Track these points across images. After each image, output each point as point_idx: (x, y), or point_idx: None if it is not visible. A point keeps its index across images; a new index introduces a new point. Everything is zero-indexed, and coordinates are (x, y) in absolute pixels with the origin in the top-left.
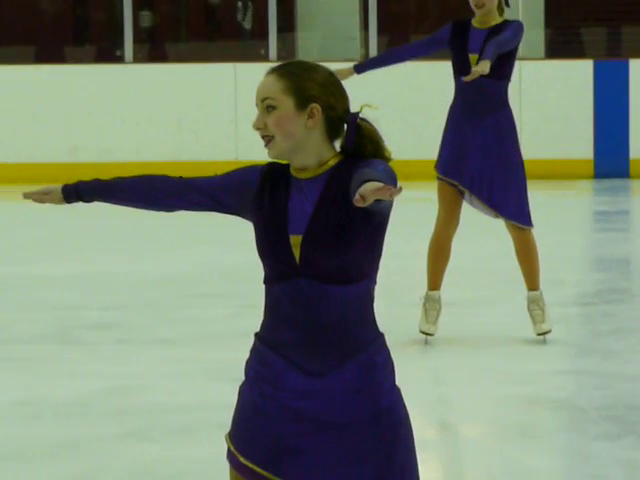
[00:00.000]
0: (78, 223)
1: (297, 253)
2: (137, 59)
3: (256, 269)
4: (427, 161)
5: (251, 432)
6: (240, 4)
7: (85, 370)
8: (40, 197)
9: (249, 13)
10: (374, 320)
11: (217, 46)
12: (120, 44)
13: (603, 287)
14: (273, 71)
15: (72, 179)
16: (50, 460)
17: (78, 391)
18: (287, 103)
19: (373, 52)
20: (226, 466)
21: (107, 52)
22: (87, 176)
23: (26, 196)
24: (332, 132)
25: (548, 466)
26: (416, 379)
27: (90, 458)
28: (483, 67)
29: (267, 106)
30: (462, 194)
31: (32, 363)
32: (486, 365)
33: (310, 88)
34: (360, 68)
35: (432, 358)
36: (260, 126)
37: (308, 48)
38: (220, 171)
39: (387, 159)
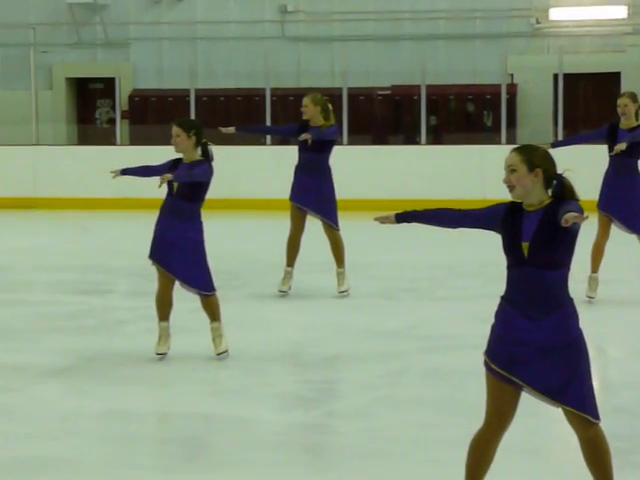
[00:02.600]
0: (396, 235)
1: (526, 252)
2: (427, 142)
3: (500, 259)
4: (593, 201)
5: (497, 350)
6: (485, 112)
7: (398, 313)
8: (383, 220)
9: (490, 117)
10: (567, 289)
11: (471, 136)
12: (418, 134)
13: None
14: (515, 150)
15: (398, 209)
16: (375, 362)
17: (395, 324)
18: (523, 168)
19: (560, 138)
20: (479, 371)
21: (411, 139)
22: (406, 207)
23: (375, 219)
24: (547, 184)
25: None
26: (584, 323)
27: (398, 362)
28: (620, 146)
29: (511, 170)
30: (611, 220)
31: (371, 309)
32: (624, 316)
33: (536, 159)
34: (555, 144)
35: (594, 312)
36: (507, 181)
37: (523, 137)
38: (470, 206)
39: (577, 200)
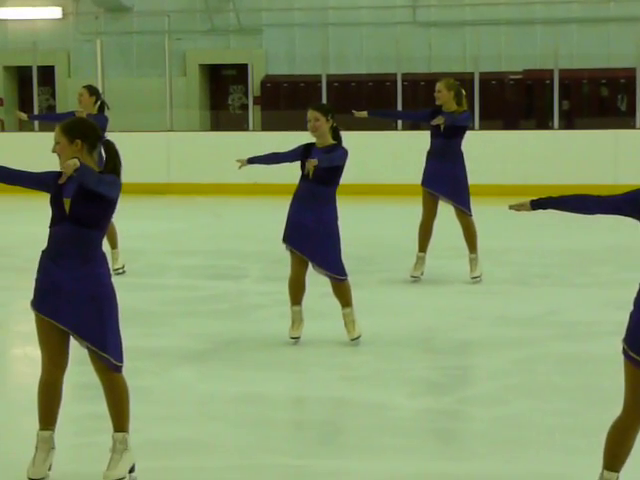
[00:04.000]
0: (529, 221)
1: None
2: (560, 127)
3: (633, 245)
4: None
5: (636, 338)
6: (619, 96)
7: (532, 299)
8: (518, 207)
9: (624, 101)
10: None
11: (605, 120)
12: (551, 118)
13: None
14: None
15: (530, 194)
16: (508, 349)
17: (528, 311)
18: None
19: None
20: (615, 358)
21: (543, 123)
22: (539, 193)
23: (510, 207)
24: None
25: None
26: None
27: (532, 349)
28: None
29: None
30: None
31: (503, 295)
32: None
33: None
34: None
35: None
36: None
37: None
38: (602, 192)
39: None
